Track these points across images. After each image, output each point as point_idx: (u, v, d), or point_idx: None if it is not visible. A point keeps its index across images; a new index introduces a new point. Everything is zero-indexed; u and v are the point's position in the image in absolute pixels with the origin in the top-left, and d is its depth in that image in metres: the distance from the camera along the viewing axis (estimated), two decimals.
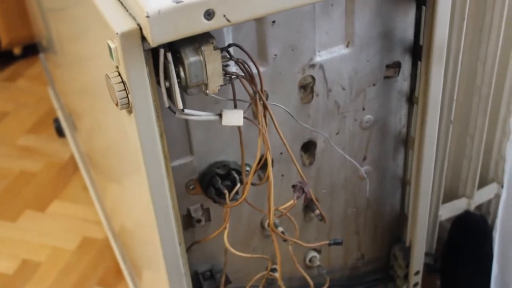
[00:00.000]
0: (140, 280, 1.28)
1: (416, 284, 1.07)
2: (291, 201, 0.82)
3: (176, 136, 0.80)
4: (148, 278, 1.17)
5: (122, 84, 0.68)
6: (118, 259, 1.40)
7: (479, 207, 1.22)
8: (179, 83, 0.69)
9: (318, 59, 0.82)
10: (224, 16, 0.65)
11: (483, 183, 1.19)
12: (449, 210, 1.18)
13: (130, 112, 0.71)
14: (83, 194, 1.70)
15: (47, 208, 1.71)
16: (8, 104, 2.14)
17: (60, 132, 1.91)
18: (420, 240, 1.02)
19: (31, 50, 2.25)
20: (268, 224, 0.85)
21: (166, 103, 0.70)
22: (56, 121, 1.92)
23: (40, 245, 1.61)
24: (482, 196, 1.20)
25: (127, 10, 0.67)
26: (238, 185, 0.82)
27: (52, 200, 1.73)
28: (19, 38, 2.24)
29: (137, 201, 0.93)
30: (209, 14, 0.64)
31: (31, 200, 1.74)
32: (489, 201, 1.23)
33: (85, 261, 1.56)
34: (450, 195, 1.18)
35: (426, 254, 1.09)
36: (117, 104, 0.70)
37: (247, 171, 0.83)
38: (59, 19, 1.23)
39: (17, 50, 2.32)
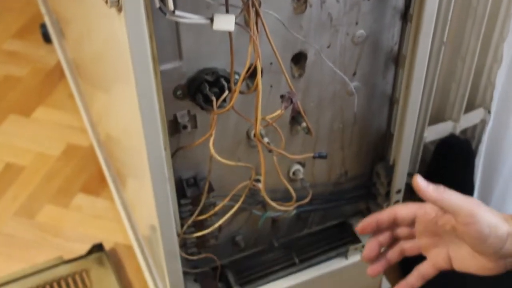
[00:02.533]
0: (124, 187, 1.29)
1: (397, 202, 1.09)
2: (279, 111, 0.82)
3: (166, 39, 0.78)
4: (133, 185, 1.17)
5: None
6: (102, 166, 1.41)
7: (464, 131, 1.23)
8: None
9: None
10: None
11: (470, 107, 1.19)
12: (435, 132, 1.18)
13: (119, 10, 0.69)
14: (69, 101, 1.69)
15: (32, 114, 1.70)
16: None
17: (46, 38, 1.88)
18: (404, 159, 1.03)
19: None
20: (254, 134, 0.84)
21: (157, 3, 0.69)
22: (43, 26, 1.88)
23: (24, 150, 1.61)
24: (468, 120, 1.20)
25: None
26: (226, 92, 0.81)
27: (37, 106, 1.72)
28: None
29: (124, 106, 0.93)
30: None
31: (16, 105, 1.73)
32: (475, 126, 1.23)
33: (69, 168, 1.56)
34: (437, 118, 1.18)
35: (409, 174, 1.10)
36: (106, 1, 0.68)
37: (235, 79, 0.82)
38: None
39: None
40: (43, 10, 1.86)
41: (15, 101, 1.74)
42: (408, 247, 0.81)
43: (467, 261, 0.75)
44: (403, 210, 0.80)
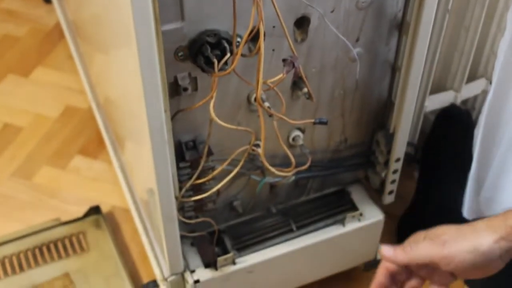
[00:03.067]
0: (122, 150, 1.29)
1: (395, 171, 1.08)
2: (280, 75, 0.82)
3: None
4: (131, 148, 1.17)
5: None
6: (100, 128, 1.40)
7: (465, 101, 1.22)
8: None
9: None
10: None
11: (471, 77, 1.19)
12: (435, 102, 1.18)
13: None
14: (68, 62, 1.67)
15: (30, 74, 1.69)
16: None
17: None
18: (404, 128, 1.02)
19: None
20: (255, 98, 0.84)
21: None
22: None
23: (23, 110, 1.60)
24: (469, 90, 1.20)
25: None
26: (228, 54, 0.80)
27: (36, 66, 1.71)
28: None
29: (124, 68, 0.92)
30: None
31: (14, 65, 1.72)
32: (476, 97, 1.23)
33: (67, 129, 1.55)
34: (438, 87, 1.18)
35: (408, 144, 1.09)
36: None
37: (237, 42, 0.81)
38: None
39: None
40: None
41: (13, 61, 1.73)
42: (413, 285, 0.80)
43: (472, 273, 0.74)
44: (392, 265, 0.78)
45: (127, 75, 0.89)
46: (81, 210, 1.34)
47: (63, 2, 1.64)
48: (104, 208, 1.36)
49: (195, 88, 0.87)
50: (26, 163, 1.48)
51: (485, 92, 1.20)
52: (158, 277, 1.09)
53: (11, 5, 1.90)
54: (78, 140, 1.53)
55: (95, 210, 1.34)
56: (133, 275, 1.27)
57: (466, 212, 1.06)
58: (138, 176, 1.18)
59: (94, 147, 1.50)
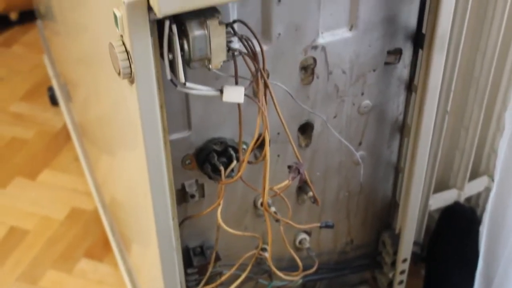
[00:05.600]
0: (129, 253, 1.29)
1: (402, 272, 1.08)
2: (286, 181, 0.83)
3: (175, 109, 0.80)
4: (138, 251, 1.17)
5: (125, 53, 0.68)
6: (106, 231, 1.40)
7: (468, 199, 1.23)
8: (183, 56, 0.69)
9: (321, 40, 0.82)
10: None
11: (474, 175, 1.20)
12: (439, 200, 1.18)
13: (132, 82, 0.71)
14: (74, 164, 1.69)
15: (37, 176, 1.70)
16: (2, 70, 2.12)
17: (53, 101, 1.90)
18: (410, 228, 1.03)
19: (28, 16, 2.22)
20: (261, 203, 0.85)
21: (168, 75, 0.70)
22: (50, 89, 1.91)
23: (29, 213, 1.61)
24: (472, 188, 1.21)
25: None
26: (234, 162, 0.82)
27: (42, 169, 1.73)
28: (16, 3, 2.22)
29: (131, 173, 0.93)
30: None
31: (22, 168, 1.74)
32: (479, 194, 1.23)
33: (73, 232, 1.55)
34: (441, 186, 1.19)
35: (414, 243, 1.09)
36: (119, 74, 0.69)
37: (243, 149, 0.83)
38: None
39: (13, 16, 2.30)
40: (51, 73, 1.88)
41: (21, 164, 1.75)
42: None
43: None
44: None
45: (134, 181, 0.91)
46: None
47: (70, 104, 1.68)
48: None
49: (202, 195, 0.88)
50: (31, 268, 1.47)
51: (488, 190, 1.21)
52: None
53: (19, 108, 1.95)
54: (84, 242, 1.53)
55: None
56: None
57: None
58: (145, 280, 1.17)
59: (100, 250, 1.50)
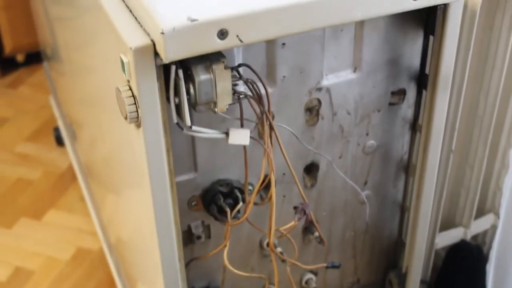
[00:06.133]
0: None
1: None
2: (292, 222, 0.83)
3: (181, 152, 0.80)
4: None
5: (132, 98, 0.69)
6: (112, 271, 1.40)
7: (475, 237, 1.23)
8: (189, 100, 0.70)
9: (325, 82, 0.83)
10: (237, 36, 0.66)
11: (480, 213, 1.20)
12: (445, 239, 1.18)
13: (138, 126, 0.71)
14: (80, 204, 1.70)
15: (43, 217, 1.71)
16: (9, 110, 2.14)
17: (59, 141, 1.91)
18: (417, 267, 1.03)
19: (35, 58, 2.25)
20: (268, 244, 0.85)
21: (175, 119, 0.71)
22: (56, 130, 1.92)
23: (34, 254, 1.60)
24: (478, 226, 1.20)
25: (141, 25, 0.68)
26: (240, 203, 0.82)
27: (48, 209, 1.73)
28: (23, 45, 2.25)
29: (137, 214, 0.94)
30: (222, 34, 0.65)
31: (27, 208, 1.74)
32: (485, 232, 1.23)
33: (78, 272, 1.55)
34: (447, 224, 1.19)
35: (421, 282, 1.09)
36: (126, 118, 0.70)
37: (249, 190, 0.84)
38: (67, 29, 1.24)
39: (20, 57, 2.33)
40: (57, 113, 1.90)
41: (26, 204, 1.75)
42: None
43: None
44: None
45: (140, 222, 0.91)
46: None
47: (76, 144, 1.69)
48: None
49: (208, 236, 0.88)
50: None
51: (494, 227, 1.21)
52: None
53: (25, 149, 1.96)
54: (90, 282, 1.52)
55: None
56: None
57: None
58: None
59: None
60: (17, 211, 1.73)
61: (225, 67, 0.69)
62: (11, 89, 2.26)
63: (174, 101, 0.70)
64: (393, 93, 0.89)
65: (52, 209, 1.73)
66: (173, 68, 0.68)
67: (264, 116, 0.76)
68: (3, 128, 2.06)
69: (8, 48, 2.24)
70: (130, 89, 0.69)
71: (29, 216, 1.72)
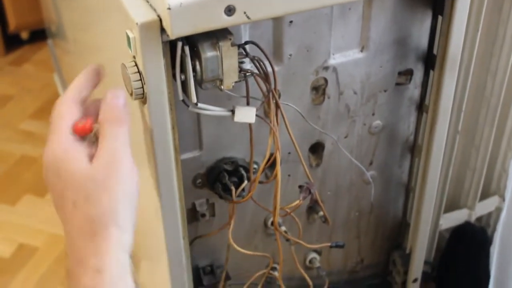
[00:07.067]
0: (137, 270, 1.28)
1: None
2: (297, 201, 0.83)
3: (187, 129, 0.80)
4: (147, 269, 1.17)
5: (138, 74, 0.68)
6: None
7: (479, 218, 1.22)
8: (195, 77, 0.69)
9: (332, 61, 0.83)
10: (245, 12, 0.65)
11: (485, 195, 1.20)
12: (450, 220, 1.18)
13: (144, 102, 0.71)
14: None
15: (46, 194, 1.71)
16: (12, 88, 2.14)
17: None
18: (421, 248, 1.03)
19: (39, 35, 2.25)
20: (272, 223, 0.85)
21: (180, 96, 0.71)
22: None
23: (38, 231, 1.61)
24: (483, 208, 1.20)
25: (147, 1, 0.68)
26: (245, 182, 0.82)
27: None
28: (27, 23, 2.24)
29: (142, 192, 0.93)
30: (229, 10, 0.64)
31: (31, 185, 1.74)
32: (490, 214, 1.23)
33: None
34: (452, 205, 1.18)
35: (424, 263, 1.09)
36: (131, 94, 0.70)
37: (254, 168, 0.83)
38: (72, 5, 1.23)
39: (24, 35, 2.32)
40: (61, 91, 1.90)
41: (30, 182, 1.76)
42: None
43: None
44: None
45: (144, 199, 0.91)
46: None
47: None
48: None
49: (213, 214, 0.88)
50: (39, 285, 1.47)
51: (499, 209, 1.20)
52: None
53: (29, 126, 1.96)
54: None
55: None
56: None
57: None
58: None
59: None
60: (21, 188, 1.74)
61: (232, 44, 0.69)
62: (15, 66, 2.26)
63: (180, 78, 0.70)
64: (400, 73, 0.88)
65: None
66: (179, 44, 0.68)
67: (270, 94, 0.75)
68: (7, 106, 2.06)
69: (12, 26, 2.24)
70: (136, 65, 0.69)
71: (33, 193, 1.72)
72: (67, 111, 0.66)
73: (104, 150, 0.63)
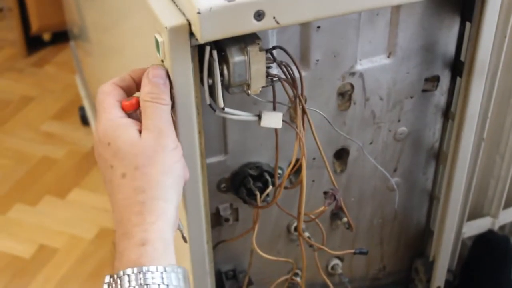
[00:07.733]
0: None
1: None
2: (322, 207, 0.82)
3: (213, 134, 0.80)
4: None
5: None
6: None
7: (502, 227, 1.21)
8: (222, 81, 0.69)
9: (358, 67, 0.82)
10: (274, 17, 0.65)
11: (509, 203, 1.18)
12: (473, 228, 1.17)
13: (171, 106, 0.71)
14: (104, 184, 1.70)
15: (67, 195, 1.72)
16: (34, 89, 2.15)
17: (84, 121, 1.92)
18: (444, 256, 1.02)
19: (61, 37, 2.26)
20: (295, 228, 0.85)
21: (208, 100, 0.70)
22: (82, 109, 1.93)
23: (58, 232, 1.62)
24: (507, 216, 1.19)
25: (176, 5, 0.68)
26: (270, 187, 0.82)
27: (72, 188, 1.74)
28: (49, 25, 2.26)
29: None
30: (259, 15, 0.64)
31: (52, 186, 1.75)
32: None
33: (101, 251, 1.56)
34: (475, 213, 1.17)
35: (447, 271, 1.08)
36: None
37: (279, 174, 0.83)
38: (96, 8, 1.24)
39: (46, 36, 2.34)
40: (82, 93, 1.91)
41: (51, 183, 1.77)
42: None
43: None
44: None
45: None
46: None
47: None
48: None
49: (236, 219, 0.88)
50: (59, 287, 1.48)
51: None
52: None
53: (51, 127, 1.97)
54: (112, 262, 1.53)
55: None
56: None
57: None
58: None
59: None
60: (41, 189, 1.74)
61: (260, 49, 0.68)
62: (37, 68, 2.27)
63: (208, 82, 0.69)
64: (426, 80, 0.88)
65: (76, 188, 1.74)
66: (208, 48, 0.67)
67: (297, 99, 0.75)
68: (28, 107, 2.07)
69: (34, 27, 2.25)
70: None
71: (53, 194, 1.73)
72: (112, 90, 0.68)
73: (150, 128, 0.64)
